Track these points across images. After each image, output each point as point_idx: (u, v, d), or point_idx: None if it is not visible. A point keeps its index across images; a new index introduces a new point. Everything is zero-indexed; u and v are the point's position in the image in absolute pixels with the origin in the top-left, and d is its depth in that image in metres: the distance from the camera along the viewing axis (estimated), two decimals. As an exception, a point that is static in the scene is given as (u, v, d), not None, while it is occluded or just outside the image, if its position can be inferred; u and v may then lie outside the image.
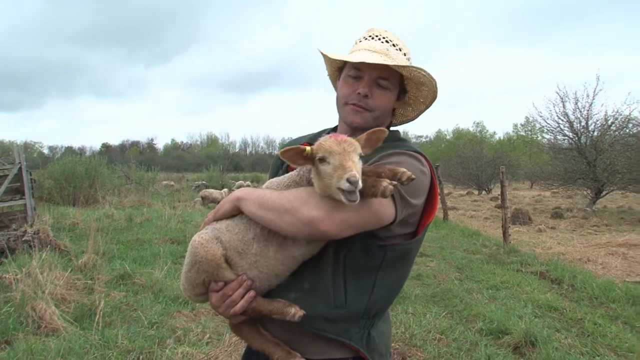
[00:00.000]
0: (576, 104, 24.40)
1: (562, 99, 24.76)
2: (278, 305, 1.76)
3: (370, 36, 1.99)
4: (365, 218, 1.63)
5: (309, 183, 1.70)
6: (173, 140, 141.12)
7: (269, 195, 1.70)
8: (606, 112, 24.72)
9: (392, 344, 5.57)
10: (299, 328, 1.76)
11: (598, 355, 5.34)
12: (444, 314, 6.73)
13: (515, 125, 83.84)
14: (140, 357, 5.02)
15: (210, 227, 1.84)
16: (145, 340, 5.38)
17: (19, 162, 13.40)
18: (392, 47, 1.96)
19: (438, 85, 1.98)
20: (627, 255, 11.13)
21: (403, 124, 2.21)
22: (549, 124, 26.09)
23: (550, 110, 27.00)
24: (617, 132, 23.67)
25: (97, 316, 5.86)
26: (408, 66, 1.88)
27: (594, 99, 23.75)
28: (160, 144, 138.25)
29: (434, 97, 2.04)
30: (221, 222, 1.85)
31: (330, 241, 1.73)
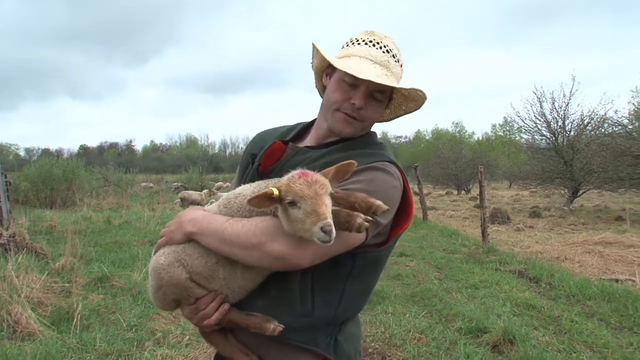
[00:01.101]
0: (553, 104, 24.81)
1: (539, 99, 25.15)
2: (256, 320, 1.73)
3: (370, 41, 1.90)
4: (336, 247, 1.61)
5: (273, 212, 1.63)
6: (152, 141, 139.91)
7: (229, 230, 1.64)
8: (582, 112, 25.13)
9: (372, 344, 5.60)
10: (266, 335, 1.74)
11: (575, 352, 5.41)
12: (424, 313, 6.77)
13: (494, 126, 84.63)
14: (119, 359, 4.98)
15: (167, 250, 1.78)
16: (124, 343, 5.32)
17: (-6, 165, 13.22)
18: (392, 58, 1.89)
19: (427, 98, 1.94)
20: (603, 253, 11.30)
21: (377, 122, 2.13)
22: (526, 124, 26.48)
23: (528, 111, 27.42)
24: (593, 132, 24.05)
25: (75, 319, 5.79)
26: (411, 88, 1.85)
27: (570, 99, 24.17)
28: (139, 146, 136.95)
29: (417, 109, 2.02)
30: (176, 245, 1.78)
31: None
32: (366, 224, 1.50)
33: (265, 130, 2.24)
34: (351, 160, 1.61)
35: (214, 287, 1.75)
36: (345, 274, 1.80)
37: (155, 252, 1.83)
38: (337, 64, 1.84)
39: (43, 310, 6.16)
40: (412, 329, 6.04)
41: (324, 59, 1.95)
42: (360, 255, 1.77)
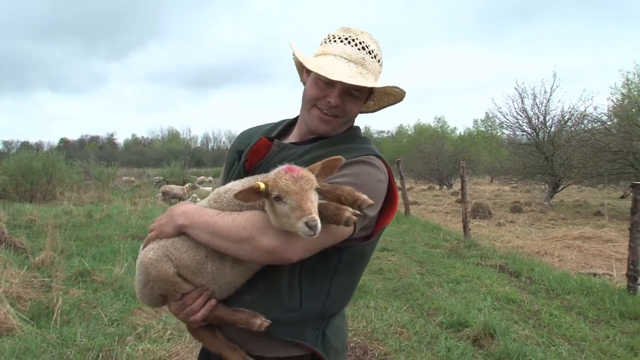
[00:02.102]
0: (534, 100, 25.07)
1: (520, 95, 25.43)
2: (243, 316, 1.75)
3: (346, 39, 1.89)
4: (325, 241, 1.64)
5: (261, 207, 1.65)
6: (134, 135, 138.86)
7: (220, 224, 1.65)
8: (563, 108, 25.44)
9: (354, 338, 5.63)
10: (253, 330, 1.75)
11: (553, 345, 5.49)
12: (405, 307, 6.81)
13: (476, 121, 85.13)
14: (100, 354, 4.93)
15: (155, 244, 1.77)
16: (105, 338, 5.28)
17: (-28, 157, 13.00)
18: (368, 54, 1.87)
19: (406, 91, 1.94)
20: (582, 247, 11.48)
21: (362, 113, 2.14)
22: (508, 119, 26.77)
23: (510, 106, 27.59)
24: (573, 128, 24.36)
25: (55, 314, 5.74)
26: (386, 87, 1.85)
27: (551, 95, 24.47)
28: (120, 139, 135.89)
29: (398, 101, 2.02)
30: (165, 239, 1.78)
31: None
32: (354, 217, 1.52)
33: (251, 128, 2.24)
34: (338, 156, 1.62)
35: (202, 282, 1.75)
36: (332, 269, 1.81)
37: (145, 246, 1.82)
38: (309, 64, 1.85)
39: (22, 305, 6.09)
40: (393, 323, 6.08)
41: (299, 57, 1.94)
42: (346, 249, 1.79)
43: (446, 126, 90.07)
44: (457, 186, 36.42)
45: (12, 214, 13.74)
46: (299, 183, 1.50)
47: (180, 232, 1.74)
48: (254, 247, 1.59)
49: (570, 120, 24.50)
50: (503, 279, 8.43)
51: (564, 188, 25.66)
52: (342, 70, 1.81)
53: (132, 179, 36.91)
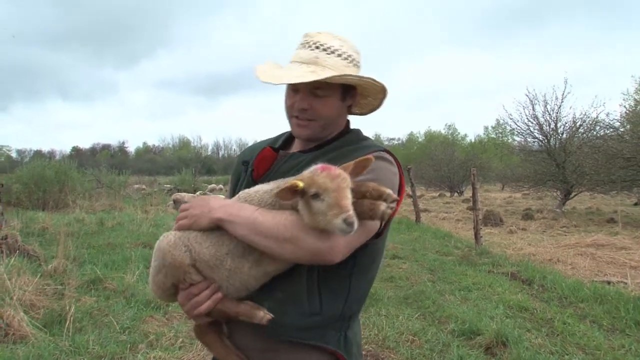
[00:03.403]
0: (545, 106, 24.92)
1: (531, 101, 25.28)
2: (245, 308, 1.73)
3: (302, 44, 1.93)
4: (361, 237, 1.67)
5: (292, 207, 1.65)
6: (145, 143, 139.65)
7: (261, 219, 1.63)
8: (574, 114, 25.22)
9: (366, 346, 5.62)
10: (273, 337, 1.75)
11: (567, 354, 5.44)
12: (417, 315, 6.78)
13: (486, 128, 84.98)
14: (112, 363, 4.97)
15: (178, 234, 1.77)
16: (117, 346, 5.31)
17: (-14, 166, 13.12)
18: (324, 51, 1.87)
19: (377, 81, 1.91)
20: (595, 255, 11.37)
21: (371, 112, 2.14)
22: (519, 126, 26.60)
23: (520, 113, 27.36)
24: (585, 135, 24.18)
25: (68, 322, 5.77)
26: (330, 77, 1.79)
27: (562, 101, 24.29)
28: (131, 147, 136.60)
29: (383, 89, 1.97)
30: (188, 232, 1.77)
31: None
32: (389, 210, 1.57)
33: (254, 143, 2.28)
34: (368, 156, 1.63)
35: (215, 278, 1.74)
36: (349, 270, 1.81)
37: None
38: (259, 76, 1.88)
39: (35, 312, 6.13)
40: (405, 331, 6.05)
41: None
42: (360, 249, 1.77)
43: (457, 133, 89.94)
44: (467, 193, 36.25)
45: (26, 222, 13.87)
46: (336, 181, 1.52)
47: (216, 226, 1.72)
48: (298, 247, 1.59)
49: (582, 127, 24.34)
50: (515, 287, 8.37)
51: (576, 195, 25.47)
52: (292, 73, 1.84)
53: (143, 187, 37.04)
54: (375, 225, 1.69)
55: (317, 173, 1.55)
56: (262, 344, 1.79)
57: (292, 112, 1.94)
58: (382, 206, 1.56)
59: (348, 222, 1.45)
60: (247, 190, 1.81)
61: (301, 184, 1.54)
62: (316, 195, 1.52)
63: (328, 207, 1.49)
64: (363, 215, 1.56)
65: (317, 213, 1.53)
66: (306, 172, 1.60)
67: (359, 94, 2.00)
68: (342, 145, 1.94)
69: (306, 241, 1.58)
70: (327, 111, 1.91)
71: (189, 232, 1.76)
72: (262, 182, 1.89)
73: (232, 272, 1.73)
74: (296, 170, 1.80)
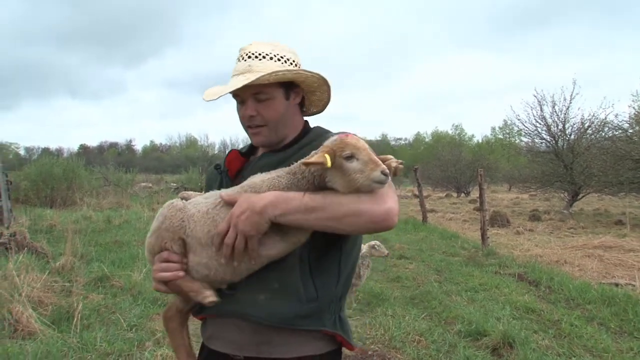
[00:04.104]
0: (553, 107, 24.85)
1: (539, 102, 25.24)
2: (197, 286, 1.78)
3: (237, 58, 2.00)
4: (395, 196, 1.73)
5: (313, 185, 1.70)
6: (152, 141, 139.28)
7: (313, 204, 1.66)
8: (583, 115, 25.07)
9: (372, 346, 5.62)
10: (271, 329, 1.77)
11: (574, 356, 5.42)
12: (423, 315, 6.78)
13: (494, 129, 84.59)
14: (120, 359, 4.98)
15: (183, 205, 1.88)
16: (124, 343, 5.33)
17: (-5, 163, 13.21)
18: (255, 59, 1.94)
19: (313, 70, 1.96)
20: (603, 257, 11.31)
21: (325, 107, 2.18)
22: (526, 127, 26.58)
23: (528, 114, 27.21)
24: (593, 136, 24.11)
25: (75, 319, 5.79)
26: (261, 77, 1.84)
27: (570, 102, 24.22)
28: (138, 146, 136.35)
29: (322, 79, 1.99)
30: (193, 208, 1.84)
31: None
32: (400, 166, 1.73)
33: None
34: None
35: (205, 256, 1.78)
36: (337, 256, 1.88)
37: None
38: (204, 97, 1.99)
39: (44, 309, 6.17)
40: (411, 332, 6.05)
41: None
42: (344, 238, 1.86)
43: (464, 134, 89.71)
44: (474, 194, 36.17)
45: (34, 219, 13.95)
46: (362, 142, 1.65)
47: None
48: (357, 218, 1.64)
49: (590, 128, 24.27)
50: (522, 288, 8.35)
51: (583, 196, 25.40)
52: (230, 84, 1.92)
53: (150, 185, 37.16)
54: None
55: (344, 138, 1.65)
56: (256, 337, 1.81)
57: (245, 123, 2.00)
58: (394, 162, 1.71)
59: (385, 173, 1.58)
60: (250, 181, 1.82)
61: (329, 160, 1.60)
62: (351, 157, 1.61)
63: (364, 164, 1.59)
64: None
65: (354, 172, 1.60)
66: (327, 142, 1.68)
67: (304, 90, 2.05)
68: (312, 139, 1.97)
69: (364, 211, 1.63)
70: (273, 113, 1.95)
71: (191, 209, 1.84)
72: (239, 180, 1.92)
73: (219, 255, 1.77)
74: (271, 167, 1.86)
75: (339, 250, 1.88)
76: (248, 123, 1.98)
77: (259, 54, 1.94)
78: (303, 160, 1.67)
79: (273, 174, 1.79)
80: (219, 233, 1.73)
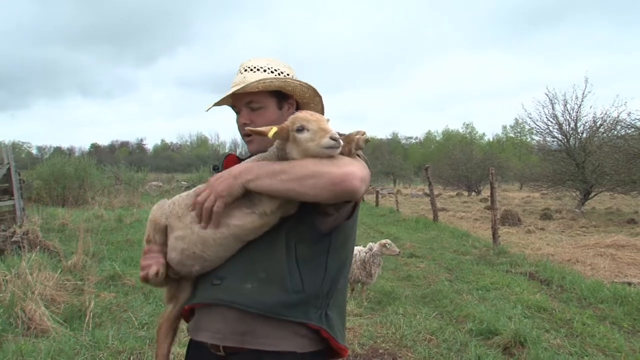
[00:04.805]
0: (565, 106, 24.69)
1: (551, 100, 25.08)
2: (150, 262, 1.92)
3: (236, 73, 2.13)
4: (364, 170, 1.77)
5: (279, 159, 1.80)
6: (163, 140, 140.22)
7: (279, 168, 1.75)
8: (595, 114, 25.00)
9: (383, 345, 5.61)
10: (256, 318, 1.79)
11: (587, 355, 5.38)
12: (434, 314, 6.76)
13: (505, 127, 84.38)
14: (131, 357, 5.00)
15: (170, 203, 2.00)
16: (136, 341, 5.35)
17: (8, 163, 13.28)
18: (250, 71, 2.08)
19: (302, 80, 2.10)
20: (616, 256, 11.23)
21: None
22: (538, 125, 26.41)
23: (540, 112, 27.04)
24: (605, 134, 23.91)
25: (87, 317, 5.84)
26: (248, 84, 1.98)
27: (582, 101, 24.05)
28: (149, 145, 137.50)
29: (310, 90, 2.12)
30: (178, 196, 2.00)
31: (280, 231, 1.85)
32: (363, 137, 1.78)
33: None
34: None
35: (177, 231, 1.88)
36: (325, 250, 1.91)
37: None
38: (208, 107, 2.18)
39: (56, 307, 6.22)
40: (422, 330, 6.04)
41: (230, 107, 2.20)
42: (335, 230, 1.91)
43: (475, 132, 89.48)
44: (485, 193, 36.07)
45: (46, 218, 14.05)
46: (315, 115, 1.76)
47: (246, 189, 1.81)
48: (318, 179, 1.68)
49: (602, 126, 24.08)
50: (533, 287, 8.30)
51: (595, 195, 25.21)
52: (219, 98, 2.07)
53: (161, 184, 37.38)
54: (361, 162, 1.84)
55: (297, 114, 1.78)
56: (240, 326, 1.83)
57: (241, 132, 2.12)
58: (357, 135, 1.77)
59: (334, 138, 1.66)
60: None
61: (275, 128, 1.74)
62: (301, 128, 1.72)
63: (314, 133, 1.70)
64: (344, 151, 1.75)
65: (305, 141, 1.71)
66: (287, 121, 1.79)
67: (298, 101, 2.17)
68: None
69: (324, 172, 1.69)
70: (265, 122, 2.03)
71: (175, 198, 2.01)
72: None
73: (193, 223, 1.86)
74: None
75: (328, 243, 1.91)
76: (243, 131, 2.08)
77: (254, 67, 2.09)
78: (249, 128, 1.86)
79: (255, 156, 1.93)
80: (197, 197, 1.84)
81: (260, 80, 1.98)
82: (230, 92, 2.00)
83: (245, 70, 2.09)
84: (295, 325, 1.82)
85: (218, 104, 2.14)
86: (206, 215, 1.80)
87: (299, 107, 2.15)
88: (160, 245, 1.93)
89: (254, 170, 1.78)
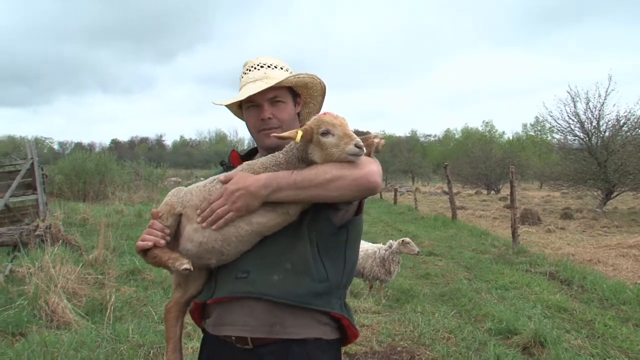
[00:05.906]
0: (587, 104, 24.29)
1: (573, 98, 24.65)
2: (174, 256, 1.88)
3: (248, 69, 2.16)
4: (380, 167, 1.85)
5: (299, 160, 1.85)
6: (182, 136, 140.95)
7: (300, 178, 1.79)
8: (618, 112, 24.43)
9: (401, 342, 5.61)
10: (284, 309, 1.84)
11: (609, 357, 5.31)
12: (453, 313, 6.73)
13: (525, 125, 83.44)
14: (151, 351, 5.05)
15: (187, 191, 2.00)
16: (155, 335, 5.40)
17: (31, 158, 13.45)
18: (268, 68, 2.14)
19: (320, 77, 2.18)
20: (639, 257, 11.05)
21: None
22: (559, 124, 26.00)
23: (561, 110, 26.57)
24: (629, 133, 23.51)
25: (108, 311, 5.92)
26: (286, 78, 2.05)
27: (605, 99, 23.62)
28: (169, 141, 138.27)
29: (323, 89, 2.24)
30: (194, 186, 2.01)
31: (302, 224, 1.90)
32: (382, 141, 1.85)
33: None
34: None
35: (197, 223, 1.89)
36: (343, 242, 2.00)
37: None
38: (221, 102, 2.20)
39: (78, 300, 6.31)
40: (441, 329, 6.02)
41: (231, 107, 2.25)
42: (350, 224, 2.01)
43: (494, 130, 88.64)
44: (505, 191, 35.77)
45: (67, 213, 14.22)
46: (339, 119, 1.79)
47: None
48: (341, 181, 1.76)
49: (626, 125, 23.68)
50: (553, 287, 8.22)
51: (618, 195, 24.84)
52: (252, 88, 2.07)
53: (180, 179, 37.61)
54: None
55: (321, 116, 1.81)
56: (269, 318, 1.86)
57: (259, 127, 2.13)
58: (375, 139, 1.83)
59: (359, 146, 1.71)
60: (246, 163, 1.99)
61: (300, 133, 1.77)
62: (326, 132, 1.76)
63: (339, 139, 1.74)
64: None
65: (330, 146, 1.76)
66: (309, 122, 1.84)
67: (302, 101, 2.27)
68: None
69: (346, 174, 1.75)
70: (286, 115, 2.14)
71: (191, 187, 2.01)
72: None
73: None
74: None
75: (345, 236, 2.00)
76: (263, 126, 2.11)
77: (270, 64, 2.15)
78: (275, 134, 1.87)
79: (267, 159, 1.94)
80: (210, 200, 1.88)
81: (294, 75, 2.06)
82: (266, 86, 2.02)
83: (262, 66, 2.14)
84: (319, 313, 1.90)
85: (230, 104, 2.20)
86: (214, 220, 1.85)
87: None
88: (163, 226, 1.96)
89: (274, 184, 1.81)
